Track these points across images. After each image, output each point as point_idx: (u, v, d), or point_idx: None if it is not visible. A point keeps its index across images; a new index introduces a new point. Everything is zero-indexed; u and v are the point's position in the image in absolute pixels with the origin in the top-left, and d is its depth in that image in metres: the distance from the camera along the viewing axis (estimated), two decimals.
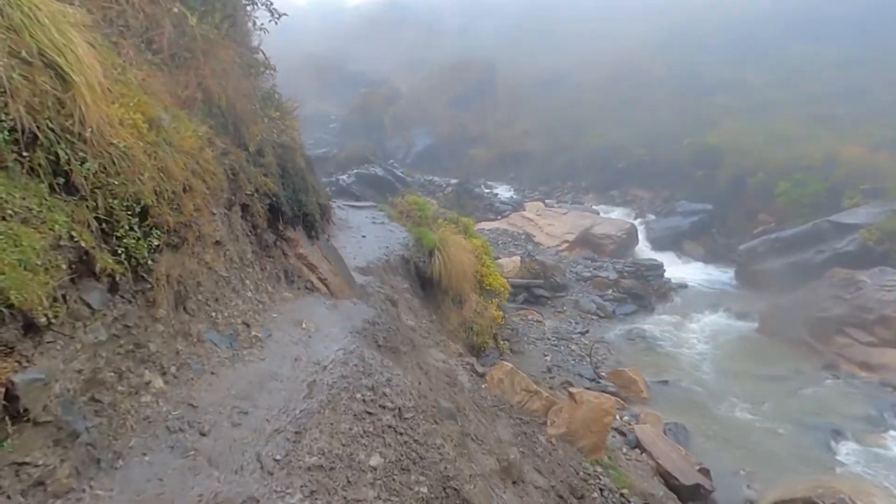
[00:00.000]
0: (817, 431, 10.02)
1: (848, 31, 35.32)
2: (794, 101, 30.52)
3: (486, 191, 30.60)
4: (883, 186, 19.04)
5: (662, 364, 13.44)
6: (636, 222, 25.17)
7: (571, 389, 7.98)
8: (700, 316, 16.81)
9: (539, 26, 50.49)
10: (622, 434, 9.03)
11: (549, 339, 14.28)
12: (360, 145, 32.48)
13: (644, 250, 23.58)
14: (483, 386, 7.77)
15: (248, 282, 5.04)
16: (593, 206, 28.19)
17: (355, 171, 25.28)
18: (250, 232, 5.43)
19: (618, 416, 9.67)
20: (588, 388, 11.11)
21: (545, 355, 13.10)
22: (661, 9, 45.15)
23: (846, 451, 9.53)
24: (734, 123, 28.88)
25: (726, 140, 27.22)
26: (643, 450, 8.62)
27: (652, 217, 26.26)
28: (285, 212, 6.01)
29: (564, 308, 17.14)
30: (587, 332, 15.19)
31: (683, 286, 19.36)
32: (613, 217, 25.53)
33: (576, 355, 13.41)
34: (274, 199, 5.79)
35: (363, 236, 10.89)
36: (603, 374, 12.01)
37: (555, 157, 34.95)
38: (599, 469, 7.32)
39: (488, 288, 11.70)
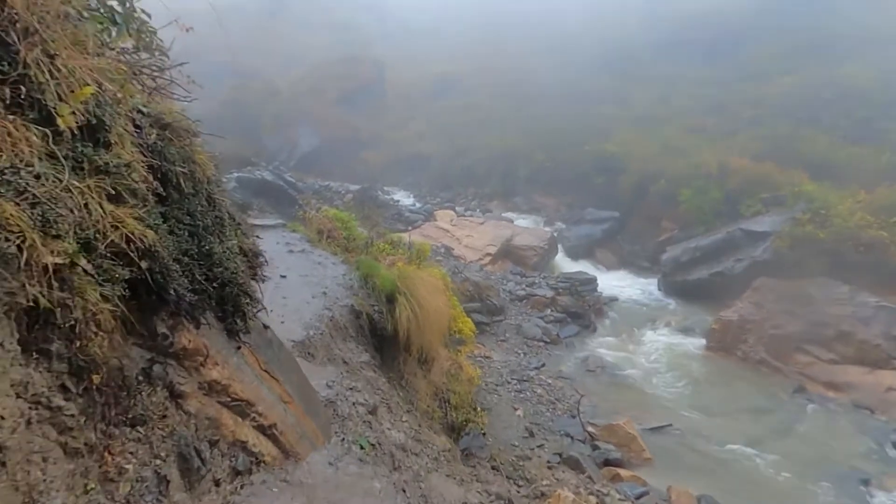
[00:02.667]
0: (843, 482, 8.50)
1: (703, 54, 38.20)
2: (670, 114, 31.75)
3: (388, 197, 27.18)
4: (782, 195, 19.46)
5: (638, 402, 11.39)
6: (549, 230, 23.64)
7: None
8: (643, 334, 15.33)
9: (425, 29, 48.20)
10: None
11: (508, 381, 11.50)
12: (236, 145, 26.94)
13: (561, 260, 22.10)
14: None
15: None
16: (502, 214, 26.26)
17: (236, 174, 20.23)
18: (76, 386, 1.66)
19: None
20: (589, 456, 8.53)
21: (515, 408, 10.27)
22: (541, 22, 45.39)
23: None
24: (625, 133, 29.00)
25: (624, 148, 27.05)
26: None
27: (562, 225, 25.00)
28: (178, 290, 2.27)
29: (507, 335, 14.55)
30: (543, 365, 12.71)
31: (614, 299, 17.95)
32: (529, 226, 23.74)
33: (546, 402, 10.78)
34: (147, 263, 2.05)
35: (283, 276, 7.07)
36: (594, 430, 9.49)
37: (453, 161, 32.59)
38: None
39: (457, 335, 8.52)
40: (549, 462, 8.12)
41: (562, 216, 26.23)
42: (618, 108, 33.33)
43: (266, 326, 3.27)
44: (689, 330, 15.16)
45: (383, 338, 7.05)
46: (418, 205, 27.27)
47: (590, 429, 9.49)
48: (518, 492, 5.37)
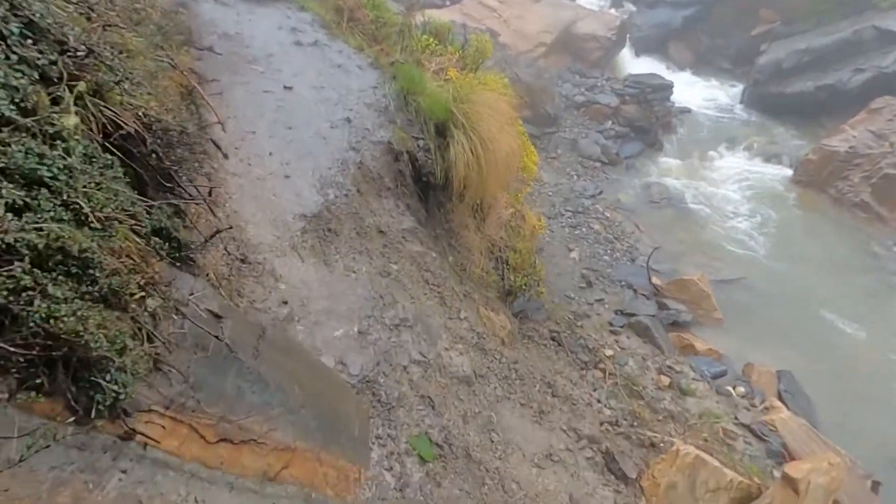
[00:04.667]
0: None
1: None
2: None
3: None
4: None
5: (707, 244, 9.87)
6: (616, 13, 18.99)
7: (789, 470, 3.94)
8: (718, 158, 12.99)
9: None
10: (757, 437, 5.56)
11: (561, 213, 9.87)
12: None
13: (624, 56, 18.23)
14: None
15: None
16: None
17: None
18: None
19: (734, 392, 6.12)
20: (652, 317, 7.38)
21: (569, 248, 8.85)
22: None
23: None
24: None
25: None
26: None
27: (632, 7, 20.02)
28: None
29: (559, 151, 12.40)
30: (600, 193, 10.89)
31: (686, 111, 15.01)
32: (594, 10, 19.01)
33: (604, 241, 9.31)
34: None
35: (288, 88, 4.87)
36: (660, 283, 8.17)
37: None
38: None
39: (520, 173, 6.53)
40: (611, 324, 6.99)
41: None
42: None
43: (218, 317, 1.42)
44: (776, 157, 12.73)
45: (428, 183, 5.16)
46: None
47: (656, 281, 8.16)
48: (616, 429, 4.14)
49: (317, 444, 1.73)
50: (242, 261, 2.39)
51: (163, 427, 1.17)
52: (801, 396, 6.59)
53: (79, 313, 0.90)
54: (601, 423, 4.06)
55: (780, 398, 6.41)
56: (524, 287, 6.01)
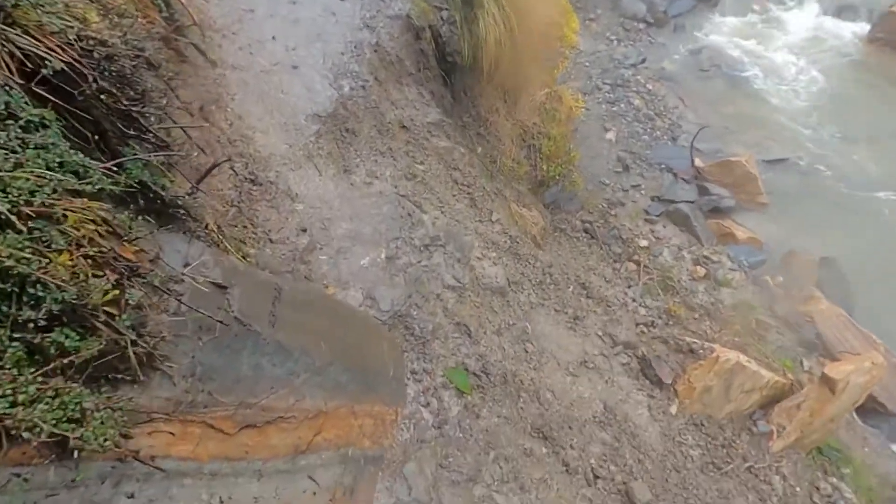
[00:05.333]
0: None
1: None
2: None
3: None
4: None
5: (759, 119, 8.97)
6: None
7: (830, 371, 3.84)
8: (783, 11, 11.28)
9: None
10: (791, 327, 5.47)
11: (598, 86, 8.97)
12: None
13: None
14: (672, 409, 3.48)
15: None
16: None
17: None
18: None
19: (771, 282, 5.93)
20: (691, 204, 7.02)
21: (605, 128, 8.17)
22: None
23: None
24: None
25: None
26: (832, 359, 5.29)
27: None
28: None
29: (598, 11, 10.91)
30: (643, 61, 9.75)
31: None
32: None
33: (643, 118, 8.53)
34: None
35: None
36: (703, 165, 7.58)
37: None
38: (833, 480, 4.04)
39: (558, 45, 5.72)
40: (647, 212, 6.65)
41: None
42: None
43: (223, 287, 1.19)
44: (851, 9, 10.96)
45: (454, 64, 4.55)
46: None
47: (698, 162, 7.58)
48: (652, 331, 3.98)
49: (350, 398, 1.63)
50: (253, 181, 2.12)
51: (171, 434, 1.03)
52: (841, 284, 6.36)
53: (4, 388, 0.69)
54: (636, 325, 3.98)
55: (820, 287, 6.21)
56: (557, 177, 5.62)
